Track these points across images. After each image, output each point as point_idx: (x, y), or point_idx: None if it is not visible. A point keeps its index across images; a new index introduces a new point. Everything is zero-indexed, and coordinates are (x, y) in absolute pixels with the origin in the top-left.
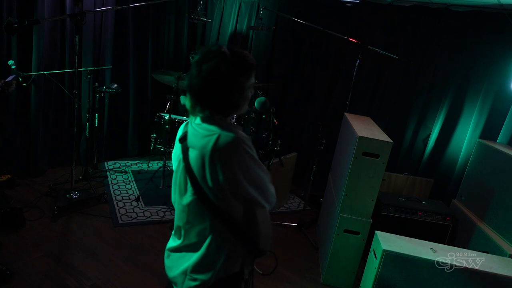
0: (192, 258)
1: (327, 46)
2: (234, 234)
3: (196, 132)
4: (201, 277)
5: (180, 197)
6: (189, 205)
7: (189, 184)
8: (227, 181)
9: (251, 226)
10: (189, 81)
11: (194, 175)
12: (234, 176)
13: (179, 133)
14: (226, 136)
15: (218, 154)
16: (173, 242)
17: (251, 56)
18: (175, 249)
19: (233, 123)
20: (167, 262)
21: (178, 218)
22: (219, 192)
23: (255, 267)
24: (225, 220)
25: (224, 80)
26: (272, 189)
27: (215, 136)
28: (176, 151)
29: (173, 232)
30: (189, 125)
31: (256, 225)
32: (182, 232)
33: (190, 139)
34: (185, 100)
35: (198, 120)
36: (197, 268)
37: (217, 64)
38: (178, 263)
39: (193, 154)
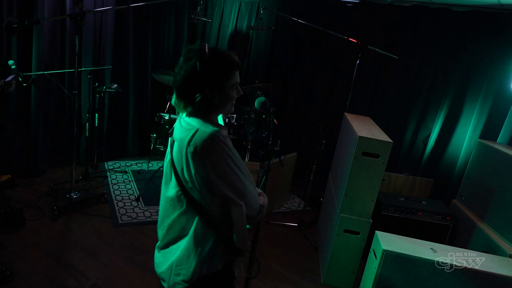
0: (177, 252)
1: (327, 46)
2: (212, 229)
3: (180, 126)
4: (184, 271)
5: (165, 188)
6: (172, 197)
7: (173, 177)
8: (200, 177)
9: (227, 223)
10: (173, 77)
11: (176, 168)
12: (206, 172)
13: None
14: (203, 132)
15: (192, 149)
16: (159, 238)
17: (234, 56)
18: (163, 245)
19: (218, 123)
20: (156, 258)
21: (163, 211)
22: (194, 186)
23: (241, 268)
24: (204, 215)
25: (201, 80)
26: (254, 191)
27: (192, 131)
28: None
29: (158, 228)
30: (177, 120)
31: (231, 222)
32: (167, 226)
33: (175, 133)
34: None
35: (184, 114)
36: (180, 262)
37: (194, 63)
38: (165, 259)
39: (175, 147)
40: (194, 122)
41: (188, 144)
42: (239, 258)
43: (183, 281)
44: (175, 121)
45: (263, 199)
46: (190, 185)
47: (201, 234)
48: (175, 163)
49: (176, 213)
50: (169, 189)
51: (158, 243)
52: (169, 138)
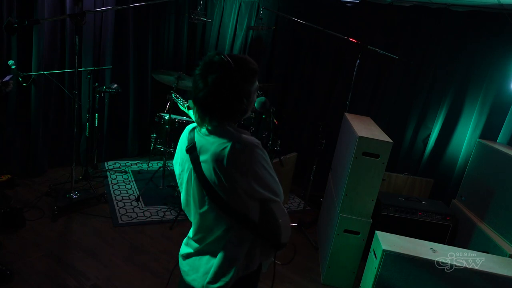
0: (211, 261)
1: (327, 46)
2: (254, 232)
3: (207, 141)
4: (224, 278)
5: (197, 207)
6: (206, 212)
7: (205, 194)
8: (243, 185)
9: (270, 221)
10: (195, 94)
11: (209, 184)
12: (249, 180)
13: (183, 140)
14: (240, 143)
15: (233, 161)
16: (187, 248)
17: (253, 61)
18: (191, 253)
19: (241, 129)
20: (182, 266)
21: (196, 225)
22: (236, 196)
23: (275, 260)
24: (244, 221)
25: (232, 91)
26: (281, 189)
27: (230, 144)
28: (182, 160)
29: (186, 239)
30: (196, 134)
31: (275, 219)
32: (200, 237)
33: (200, 148)
34: (192, 110)
35: (205, 130)
36: (218, 268)
37: (222, 75)
38: (195, 266)
39: (206, 163)
40: (224, 135)
41: (226, 156)
42: (280, 251)
43: (221, 287)
44: (175, 121)
45: None
46: (230, 197)
47: (238, 241)
48: (209, 179)
49: (211, 227)
50: (203, 206)
51: (185, 250)
52: (186, 154)
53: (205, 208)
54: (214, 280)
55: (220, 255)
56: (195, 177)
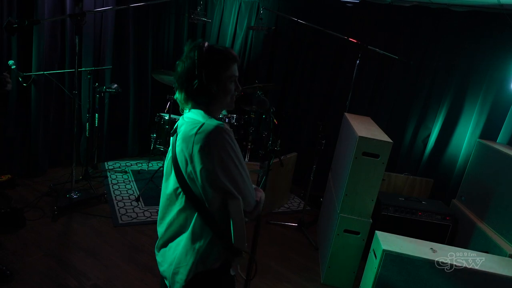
0: (176, 250)
1: (327, 46)
2: (210, 226)
3: (184, 122)
4: (182, 269)
5: (165, 186)
6: (171, 193)
7: (173, 173)
8: (206, 169)
9: (224, 219)
10: (175, 70)
11: (178, 164)
12: (212, 165)
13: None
14: (209, 125)
15: (199, 141)
16: (159, 239)
17: (231, 50)
18: (162, 244)
19: (221, 118)
20: (157, 257)
21: (162, 208)
22: (197, 180)
23: (239, 271)
24: (202, 211)
25: (198, 67)
26: (251, 186)
27: (198, 125)
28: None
29: (158, 226)
30: (181, 117)
31: (228, 218)
32: (166, 223)
33: (179, 129)
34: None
35: (187, 110)
36: (179, 259)
37: (193, 53)
38: (165, 257)
39: (179, 142)
40: (198, 117)
41: (194, 137)
42: (237, 258)
43: (181, 279)
44: (176, 121)
45: (260, 194)
46: (191, 180)
47: (199, 231)
48: (178, 158)
49: (175, 210)
50: (168, 186)
51: (157, 242)
52: (171, 137)
53: (171, 188)
54: (176, 270)
55: (182, 245)
56: (170, 156)
